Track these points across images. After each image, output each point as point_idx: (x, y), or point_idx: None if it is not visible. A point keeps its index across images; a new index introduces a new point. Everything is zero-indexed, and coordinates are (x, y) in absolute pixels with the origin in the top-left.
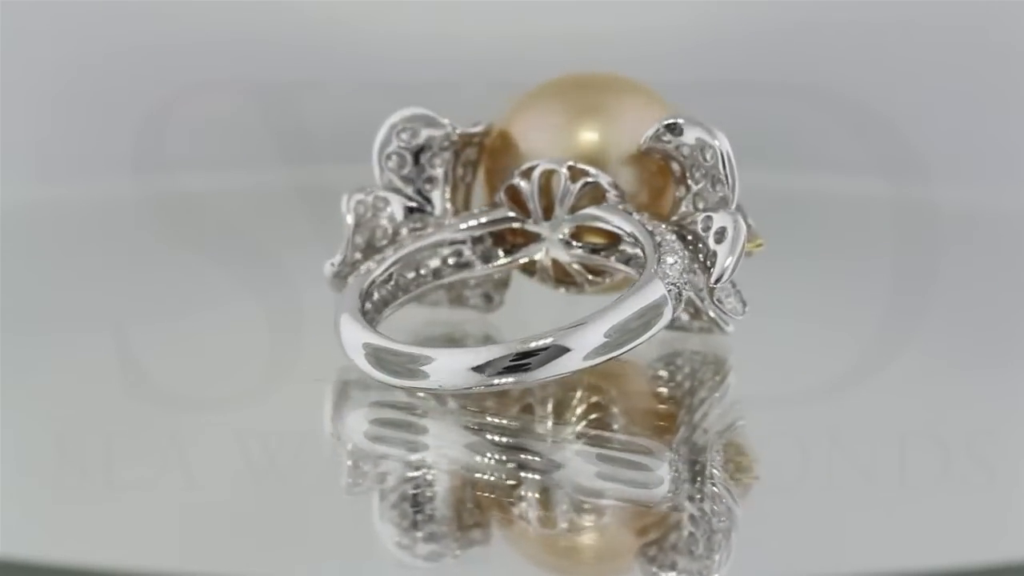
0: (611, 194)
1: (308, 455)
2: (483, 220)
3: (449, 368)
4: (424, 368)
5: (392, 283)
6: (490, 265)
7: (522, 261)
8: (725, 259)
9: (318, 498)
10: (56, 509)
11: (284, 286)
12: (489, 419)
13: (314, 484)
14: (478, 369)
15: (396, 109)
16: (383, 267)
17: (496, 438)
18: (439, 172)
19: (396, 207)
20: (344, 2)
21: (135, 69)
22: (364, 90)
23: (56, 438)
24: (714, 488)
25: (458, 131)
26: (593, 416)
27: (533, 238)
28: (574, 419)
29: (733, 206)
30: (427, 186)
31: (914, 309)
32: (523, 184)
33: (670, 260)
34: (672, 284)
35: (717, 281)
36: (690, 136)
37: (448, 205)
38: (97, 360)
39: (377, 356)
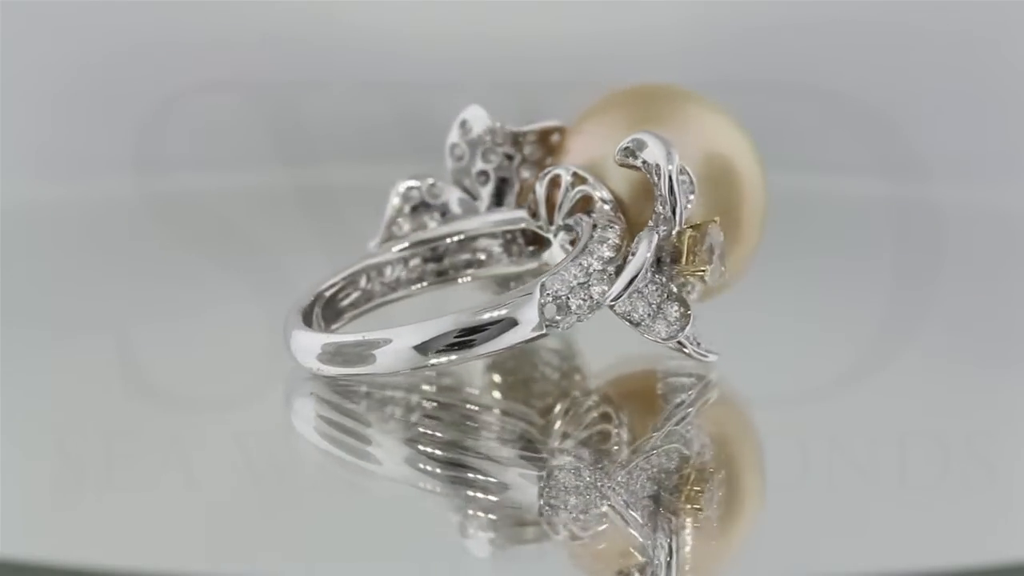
0: (600, 204)
1: (307, 455)
2: (495, 219)
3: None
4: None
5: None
6: (511, 260)
7: (536, 263)
8: (619, 280)
9: (318, 498)
10: (56, 509)
11: (284, 286)
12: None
13: (314, 484)
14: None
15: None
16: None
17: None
18: (490, 168)
19: (451, 197)
20: (344, 2)
21: (135, 69)
22: (364, 90)
23: (56, 438)
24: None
25: (506, 129)
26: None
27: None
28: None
29: (676, 228)
30: (480, 180)
31: (914, 309)
32: (537, 187)
33: (564, 272)
34: (551, 296)
35: (606, 298)
36: (646, 156)
37: (488, 201)
38: (97, 360)
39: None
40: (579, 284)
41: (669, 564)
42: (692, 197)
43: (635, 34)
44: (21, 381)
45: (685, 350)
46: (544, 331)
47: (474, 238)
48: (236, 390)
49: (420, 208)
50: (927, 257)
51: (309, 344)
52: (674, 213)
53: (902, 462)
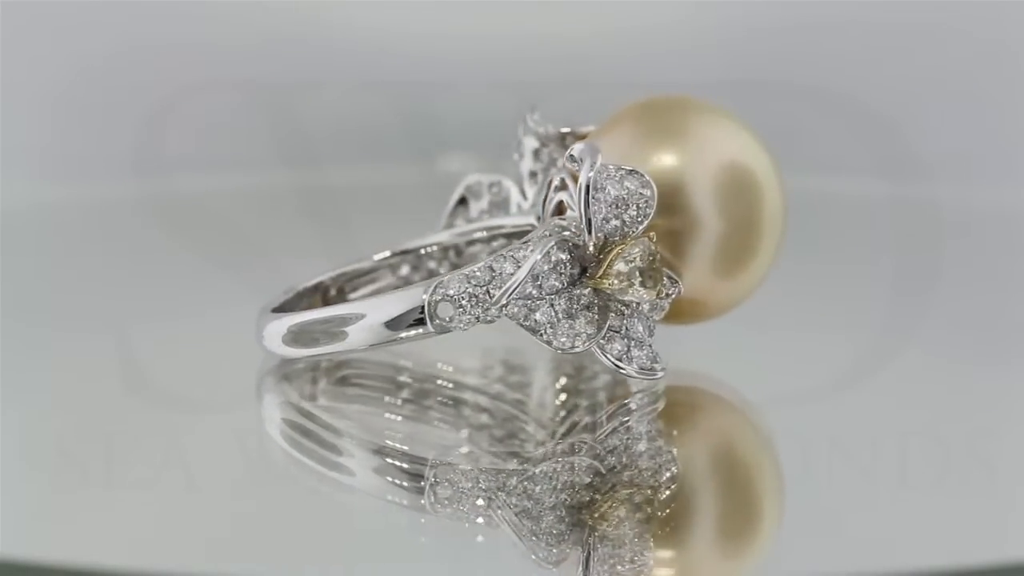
0: (569, 211)
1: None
2: (507, 223)
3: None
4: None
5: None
6: None
7: None
8: (506, 285)
9: (318, 498)
10: (56, 509)
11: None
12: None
13: (313, 484)
14: None
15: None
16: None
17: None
18: (539, 168)
19: (512, 194)
20: (344, 2)
21: (136, 70)
22: (364, 90)
23: (56, 438)
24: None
25: (540, 129)
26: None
27: None
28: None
29: (585, 239)
30: (531, 179)
31: (914, 309)
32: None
33: (466, 273)
34: (443, 294)
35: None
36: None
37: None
38: (97, 360)
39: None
40: (479, 285)
41: None
42: (637, 211)
43: (635, 34)
44: (22, 381)
45: (622, 371)
46: (432, 329)
47: (458, 245)
48: (236, 390)
49: (479, 202)
50: (927, 257)
51: (275, 327)
52: (586, 224)
53: (902, 462)
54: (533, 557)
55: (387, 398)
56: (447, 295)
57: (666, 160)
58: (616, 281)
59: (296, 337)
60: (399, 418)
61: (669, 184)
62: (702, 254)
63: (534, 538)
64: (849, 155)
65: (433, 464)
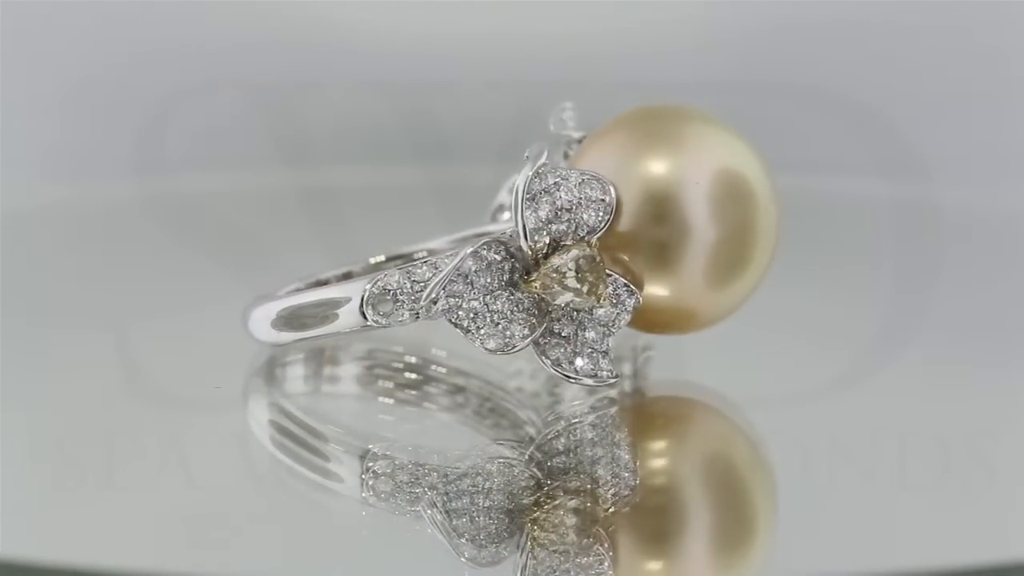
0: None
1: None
2: (495, 228)
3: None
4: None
5: None
6: None
7: None
8: (433, 282)
9: (317, 498)
10: (56, 509)
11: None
12: None
13: (313, 484)
14: None
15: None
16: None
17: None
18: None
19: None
20: (344, 2)
21: (137, 72)
22: (364, 90)
23: (56, 438)
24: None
25: (561, 132)
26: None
27: None
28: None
29: (520, 241)
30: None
31: (914, 309)
32: None
33: (404, 270)
34: (384, 288)
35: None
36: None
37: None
38: (97, 360)
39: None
40: (418, 281)
41: None
42: (593, 218)
43: (635, 34)
44: (23, 381)
45: (570, 379)
46: (367, 321)
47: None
48: (236, 390)
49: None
50: (927, 257)
51: (264, 312)
52: (520, 227)
53: (902, 462)
54: (462, 558)
55: (380, 383)
56: (386, 288)
57: (658, 168)
58: (539, 284)
59: (287, 321)
60: (391, 401)
61: (661, 192)
62: (694, 263)
63: (460, 538)
64: (849, 155)
65: (373, 456)
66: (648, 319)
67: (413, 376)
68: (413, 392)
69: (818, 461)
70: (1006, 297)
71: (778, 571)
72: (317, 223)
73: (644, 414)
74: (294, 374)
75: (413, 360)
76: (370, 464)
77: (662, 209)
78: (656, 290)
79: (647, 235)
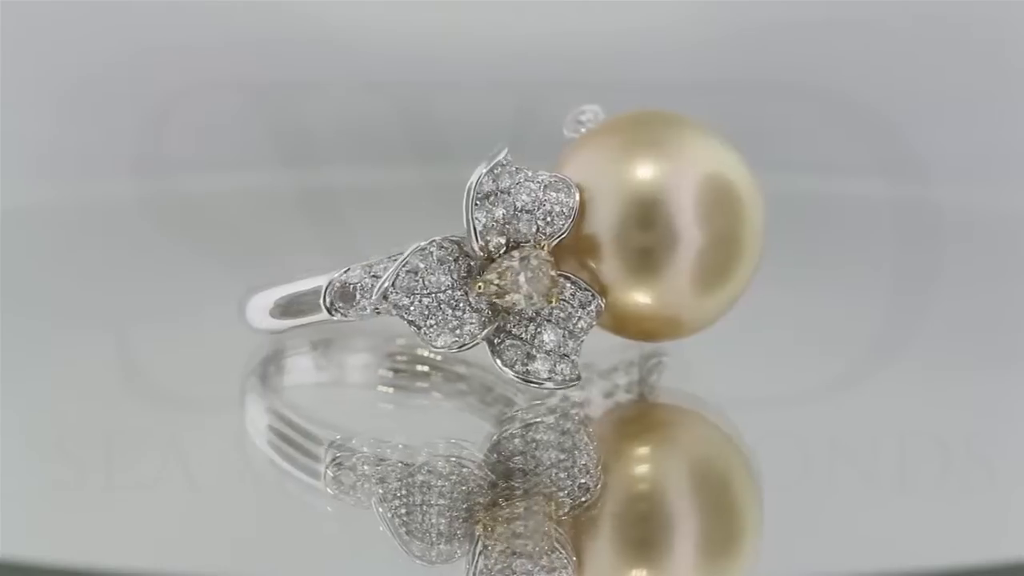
0: None
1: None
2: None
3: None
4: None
5: None
6: None
7: None
8: (382, 278)
9: (317, 498)
10: (56, 509)
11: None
12: None
13: (312, 483)
14: None
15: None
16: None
17: None
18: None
19: None
20: (344, 2)
21: (136, 70)
22: (364, 90)
23: (56, 438)
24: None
25: (575, 136)
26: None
27: None
28: None
29: (471, 241)
30: None
31: (914, 309)
32: None
33: (370, 266)
34: (345, 283)
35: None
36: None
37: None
38: (97, 360)
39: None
40: (376, 276)
41: None
42: (551, 221)
43: (635, 34)
44: (22, 381)
45: (522, 381)
46: (331, 314)
47: None
48: (236, 390)
49: None
50: (927, 257)
51: (262, 301)
52: (469, 227)
53: (902, 462)
54: (416, 558)
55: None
56: (347, 283)
57: (645, 173)
58: (483, 285)
59: (284, 310)
60: (390, 390)
61: (649, 198)
62: (681, 269)
63: (409, 535)
64: (849, 155)
65: (335, 445)
66: (633, 326)
67: (417, 367)
68: (417, 382)
69: (818, 461)
70: (1006, 297)
71: (777, 571)
72: (317, 223)
73: (614, 418)
74: (294, 366)
75: (416, 353)
76: (336, 455)
77: (648, 215)
78: (641, 297)
79: (633, 241)
